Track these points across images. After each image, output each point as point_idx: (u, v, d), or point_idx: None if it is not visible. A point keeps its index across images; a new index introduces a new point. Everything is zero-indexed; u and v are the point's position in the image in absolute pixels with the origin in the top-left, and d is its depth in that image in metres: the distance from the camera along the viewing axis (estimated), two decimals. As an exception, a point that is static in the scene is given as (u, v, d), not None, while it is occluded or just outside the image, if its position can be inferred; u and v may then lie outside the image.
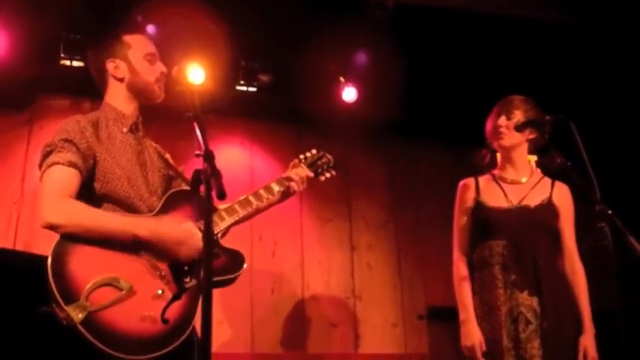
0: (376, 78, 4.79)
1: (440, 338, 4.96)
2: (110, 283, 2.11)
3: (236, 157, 4.99)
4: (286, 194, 2.82)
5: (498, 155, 3.13)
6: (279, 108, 5.02)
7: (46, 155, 2.29)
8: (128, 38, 2.55)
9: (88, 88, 4.36)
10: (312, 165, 2.95)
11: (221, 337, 4.44)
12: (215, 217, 2.47)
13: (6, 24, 4.03)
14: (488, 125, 3.06)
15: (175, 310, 2.18)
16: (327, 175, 3.02)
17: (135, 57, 2.52)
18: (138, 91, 2.54)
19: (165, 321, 2.13)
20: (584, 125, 2.62)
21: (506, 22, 4.33)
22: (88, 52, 2.66)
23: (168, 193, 2.47)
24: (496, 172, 3.07)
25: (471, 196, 3.02)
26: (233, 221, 2.56)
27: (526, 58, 4.59)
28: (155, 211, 2.39)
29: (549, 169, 2.97)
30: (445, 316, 4.88)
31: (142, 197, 2.39)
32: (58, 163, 2.24)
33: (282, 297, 4.74)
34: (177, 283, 2.23)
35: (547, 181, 3.01)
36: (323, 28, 4.14)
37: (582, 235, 2.92)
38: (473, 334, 2.78)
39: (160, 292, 2.19)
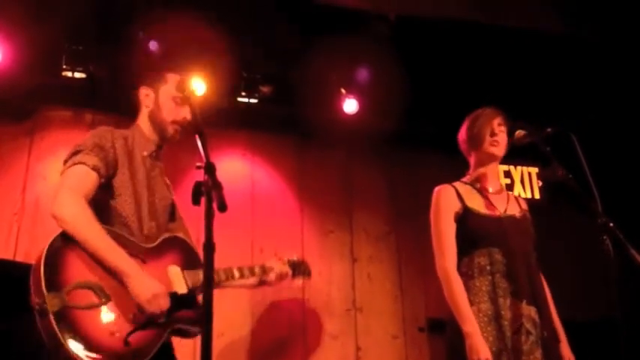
0: (377, 89, 4.81)
1: (441, 350, 4.93)
2: (92, 288, 2.21)
3: (237, 168, 4.99)
4: (263, 280, 3.04)
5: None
6: (280, 119, 5.03)
7: (75, 153, 2.42)
8: (169, 75, 2.68)
9: (90, 100, 4.37)
10: (292, 266, 3.22)
11: (220, 349, 4.42)
12: (201, 275, 2.56)
13: (8, 35, 4.05)
14: (478, 129, 2.96)
15: (140, 336, 2.25)
16: (300, 281, 3.34)
17: (164, 93, 2.65)
18: (155, 125, 2.67)
19: (127, 343, 2.19)
20: (585, 137, 2.63)
21: (508, 33, 4.35)
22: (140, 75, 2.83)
23: (165, 237, 2.57)
24: (472, 180, 3.00)
25: (456, 201, 2.90)
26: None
27: (527, 70, 4.61)
28: (150, 246, 2.48)
29: (551, 181, 2.98)
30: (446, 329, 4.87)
31: (141, 218, 2.51)
32: (83, 163, 2.38)
33: (282, 308, 4.72)
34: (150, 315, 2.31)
35: (510, 193, 3.05)
36: (324, 40, 4.16)
37: (584, 246, 2.93)
38: (483, 347, 2.62)
39: (131, 315, 2.26)
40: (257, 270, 2.97)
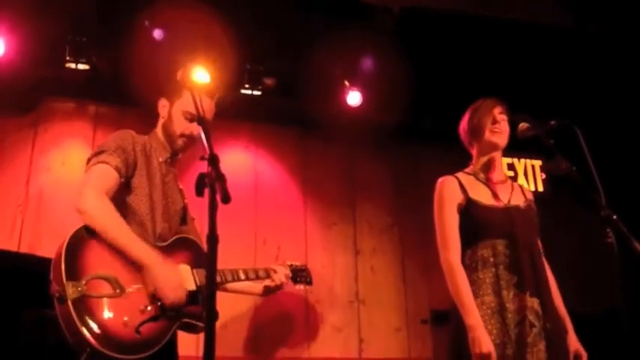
0: (381, 82, 4.80)
1: (444, 343, 4.94)
2: (109, 280, 2.32)
3: (241, 160, 4.99)
4: (267, 287, 3.21)
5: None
6: (283, 111, 5.03)
7: (99, 153, 2.56)
8: (185, 91, 2.72)
9: (93, 91, 4.35)
10: (294, 272, 3.41)
11: (224, 340, 4.43)
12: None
13: (12, 27, 4.05)
14: (479, 118, 2.93)
15: (151, 327, 2.35)
16: (301, 286, 3.51)
17: (177, 107, 2.77)
18: (166, 135, 2.80)
19: (138, 332, 2.30)
20: (589, 129, 2.62)
21: (512, 27, 4.34)
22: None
23: (177, 237, 2.71)
24: (476, 170, 2.97)
25: (459, 193, 2.86)
26: (219, 280, 2.86)
27: (532, 63, 4.59)
28: (162, 245, 2.61)
29: (555, 174, 2.96)
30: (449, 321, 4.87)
31: (155, 219, 2.63)
32: (106, 162, 2.52)
33: (285, 300, 4.73)
34: (161, 307, 2.41)
35: (514, 182, 3.02)
36: (328, 32, 4.15)
37: (587, 238, 2.92)
38: (485, 340, 2.58)
39: (143, 307, 2.37)
40: (261, 273, 3.13)
